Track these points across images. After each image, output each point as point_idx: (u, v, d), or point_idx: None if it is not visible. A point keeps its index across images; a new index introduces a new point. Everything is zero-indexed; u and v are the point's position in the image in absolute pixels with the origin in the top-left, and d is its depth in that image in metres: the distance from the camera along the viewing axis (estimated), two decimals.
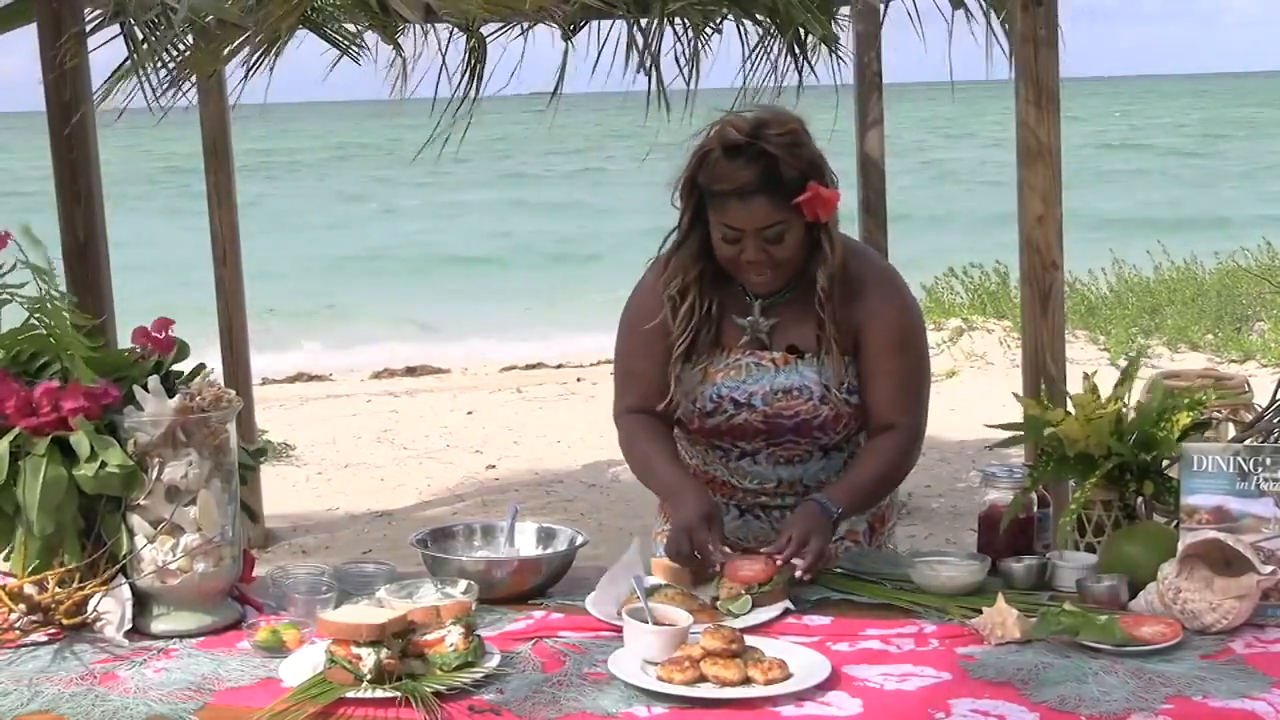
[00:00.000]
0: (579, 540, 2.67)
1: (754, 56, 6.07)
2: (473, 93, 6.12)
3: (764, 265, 2.65)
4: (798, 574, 2.49)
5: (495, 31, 6.13)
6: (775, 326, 2.74)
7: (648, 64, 5.89)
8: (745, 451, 2.76)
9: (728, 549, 2.55)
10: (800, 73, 6.12)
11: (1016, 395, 3.03)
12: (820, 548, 2.53)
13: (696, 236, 2.71)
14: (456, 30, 6.07)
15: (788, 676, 2.08)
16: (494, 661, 2.17)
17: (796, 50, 6.03)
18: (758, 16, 5.96)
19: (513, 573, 2.55)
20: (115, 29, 5.35)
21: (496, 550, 2.72)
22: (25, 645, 2.34)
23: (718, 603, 2.43)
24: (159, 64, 5.32)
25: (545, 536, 2.74)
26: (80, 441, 2.35)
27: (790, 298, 2.73)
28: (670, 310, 2.75)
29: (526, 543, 2.74)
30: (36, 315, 2.49)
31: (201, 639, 2.38)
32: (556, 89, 6.07)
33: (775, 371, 2.72)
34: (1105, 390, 2.64)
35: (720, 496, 2.80)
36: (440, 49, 6.07)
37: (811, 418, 2.71)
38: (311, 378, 11.59)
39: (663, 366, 2.77)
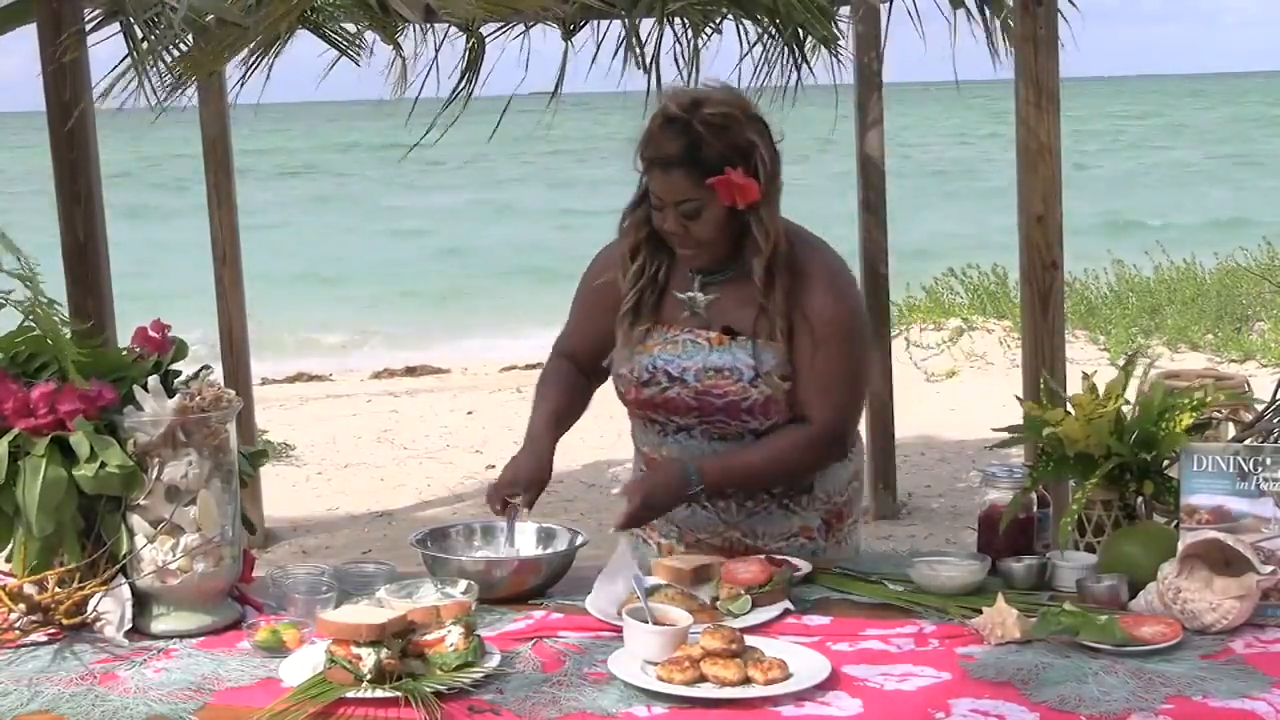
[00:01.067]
0: (579, 540, 2.67)
1: (753, 56, 6.07)
2: (471, 91, 6.12)
3: (684, 239, 2.71)
4: (615, 528, 2.65)
5: (495, 31, 6.13)
6: (714, 306, 2.78)
7: (647, 64, 5.89)
8: (680, 426, 2.81)
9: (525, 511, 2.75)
10: (798, 72, 6.11)
11: (1019, 398, 3.03)
12: (647, 504, 2.68)
13: (648, 201, 2.78)
14: (456, 30, 6.07)
15: (788, 676, 2.08)
16: (494, 661, 2.17)
17: (796, 50, 6.03)
18: (758, 16, 5.95)
19: (513, 573, 2.55)
20: (115, 27, 5.34)
21: (496, 550, 2.72)
22: (25, 645, 2.34)
23: (718, 603, 2.43)
24: (158, 63, 5.31)
25: (545, 536, 2.74)
26: (80, 442, 2.35)
27: (731, 278, 2.78)
28: (621, 270, 2.83)
29: (526, 543, 2.74)
30: (30, 318, 2.49)
31: (201, 639, 2.38)
32: (556, 89, 6.07)
33: (709, 350, 2.76)
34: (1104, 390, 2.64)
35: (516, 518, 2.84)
36: (438, 49, 6.08)
37: (740, 399, 2.73)
38: (311, 378, 11.59)
39: (602, 326, 2.88)
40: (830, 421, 2.76)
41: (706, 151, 2.64)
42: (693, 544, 2.83)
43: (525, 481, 2.77)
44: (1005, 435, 2.81)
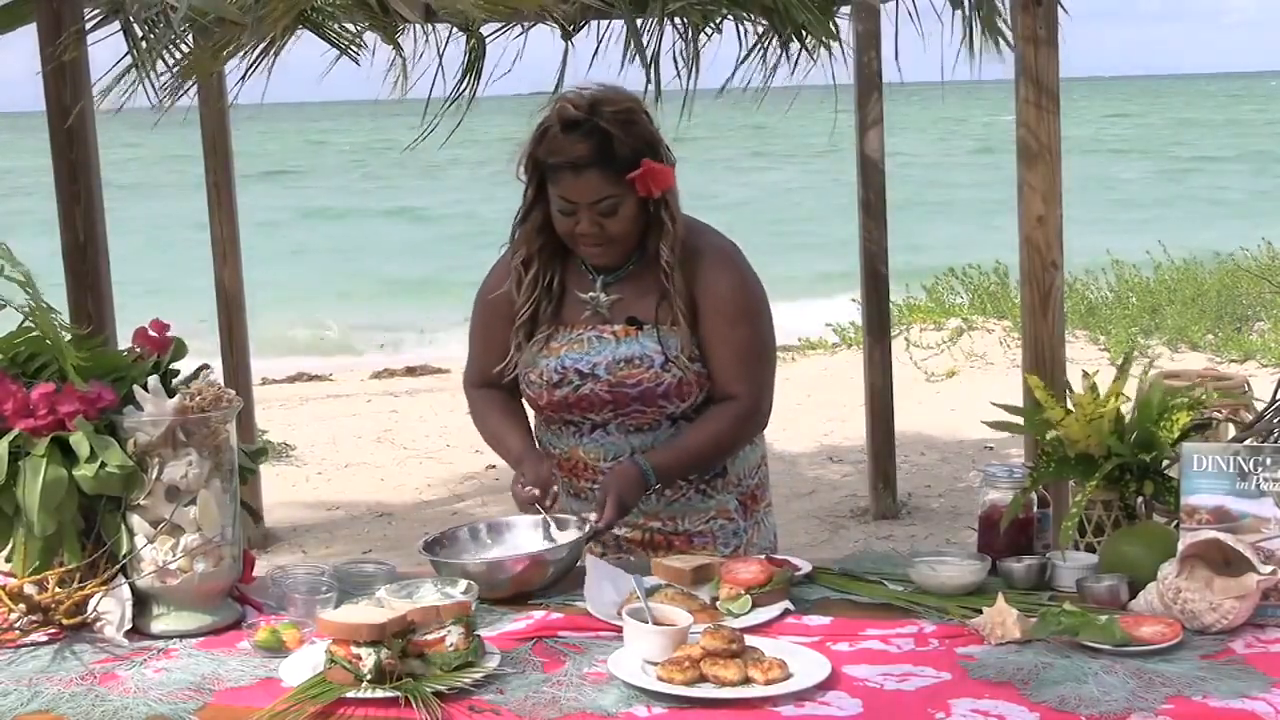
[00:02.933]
0: (587, 527, 2.68)
1: (752, 55, 6.06)
2: (471, 91, 6.12)
3: (598, 238, 2.75)
4: (592, 524, 2.66)
5: (495, 31, 6.13)
6: (616, 301, 2.83)
7: (647, 63, 5.88)
8: (596, 424, 2.84)
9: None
10: (795, 71, 6.11)
11: (1026, 376, 3.01)
12: (622, 504, 2.69)
13: (540, 211, 2.82)
14: (456, 30, 6.07)
15: (788, 676, 2.08)
16: (494, 661, 2.17)
17: (795, 50, 6.02)
18: (757, 16, 5.95)
19: (537, 565, 2.56)
20: (115, 27, 5.34)
21: (535, 542, 2.72)
22: (25, 645, 2.34)
23: (718, 603, 2.43)
24: (158, 63, 5.31)
25: (551, 529, 2.74)
26: (80, 442, 2.35)
27: (631, 272, 2.83)
28: (515, 282, 2.87)
29: (534, 537, 2.74)
30: (30, 319, 2.49)
31: (201, 639, 2.38)
32: (557, 89, 6.07)
33: (616, 343, 2.81)
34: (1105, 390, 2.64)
35: (585, 481, 2.88)
36: (439, 49, 6.07)
37: (655, 385, 2.78)
38: (311, 378, 11.58)
39: (502, 345, 2.91)
40: (754, 395, 2.85)
41: (619, 148, 2.70)
42: (610, 543, 2.87)
43: (545, 483, 2.77)
44: (1003, 418, 2.78)
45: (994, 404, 2.78)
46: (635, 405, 2.80)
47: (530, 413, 2.99)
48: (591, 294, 2.85)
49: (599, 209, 2.72)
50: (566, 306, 2.87)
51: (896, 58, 5.74)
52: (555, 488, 2.78)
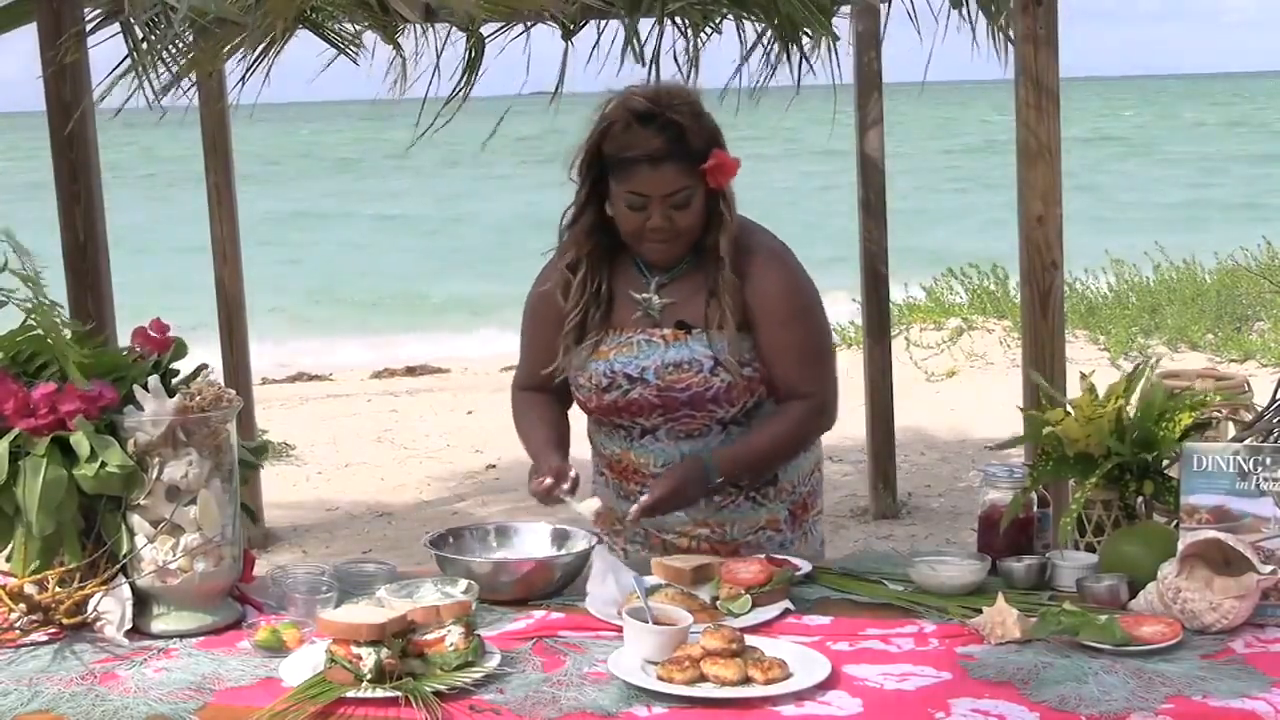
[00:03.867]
0: (594, 541, 2.67)
1: (752, 55, 6.07)
2: (469, 90, 6.12)
3: (667, 233, 2.73)
4: (630, 517, 2.67)
5: (495, 31, 6.13)
6: (667, 305, 2.81)
7: (647, 63, 5.88)
8: (645, 429, 2.82)
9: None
10: (797, 72, 6.11)
11: (1020, 409, 3.04)
12: (676, 493, 2.69)
13: (593, 211, 2.80)
14: (456, 30, 6.06)
15: (788, 676, 2.08)
16: (494, 661, 2.17)
17: (795, 49, 6.02)
18: (757, 16, 5.95)
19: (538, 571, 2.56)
20: (115, 27, 5.34)
21: (542, 548, 2.72)
22: (25, 645, 2.34)
23: (718, 603, 2.43)
24: (159, 63, 5.31)
25: (559, 537, 2.74)
26: (80, 441, 2.35)
27: (684, 271, 2.81)
28: (561, 286, 2.84)
29: (541, 544, 2.74)
30: (33, 317, 2.49)
31: (201, 639, 2.38)
32: (557, 89, 6.07)
33: (666, 347, 2.79)
34: (1105, 390, 2.64)
35: (635, 486, 2.85)
36: (438, 49, 6.07)
37: (704, 390, 2.76)
38: (311, 378, 11.58)
39: (555, 344, 2.89)
40: (821, 392, 2.83)
41: (692, 139, 2.69)
42: (658, 545, 2.85)
43: (557, 473, 2.76)
44: (1006, 438, 2.82)
45: (996, 445, 2.78)
46: (684, 410, 2.77)
47: (582, 415, 2.96)
48: (645, 295, 2.82)
49: (673, 201, 2.70)
50: (616, 309, 2.84)
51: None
52: (573, 472, 2.74)
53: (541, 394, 2.98)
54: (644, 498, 2.71)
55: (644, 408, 2.79)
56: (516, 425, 3.00)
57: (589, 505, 2.72)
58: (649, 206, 2.71)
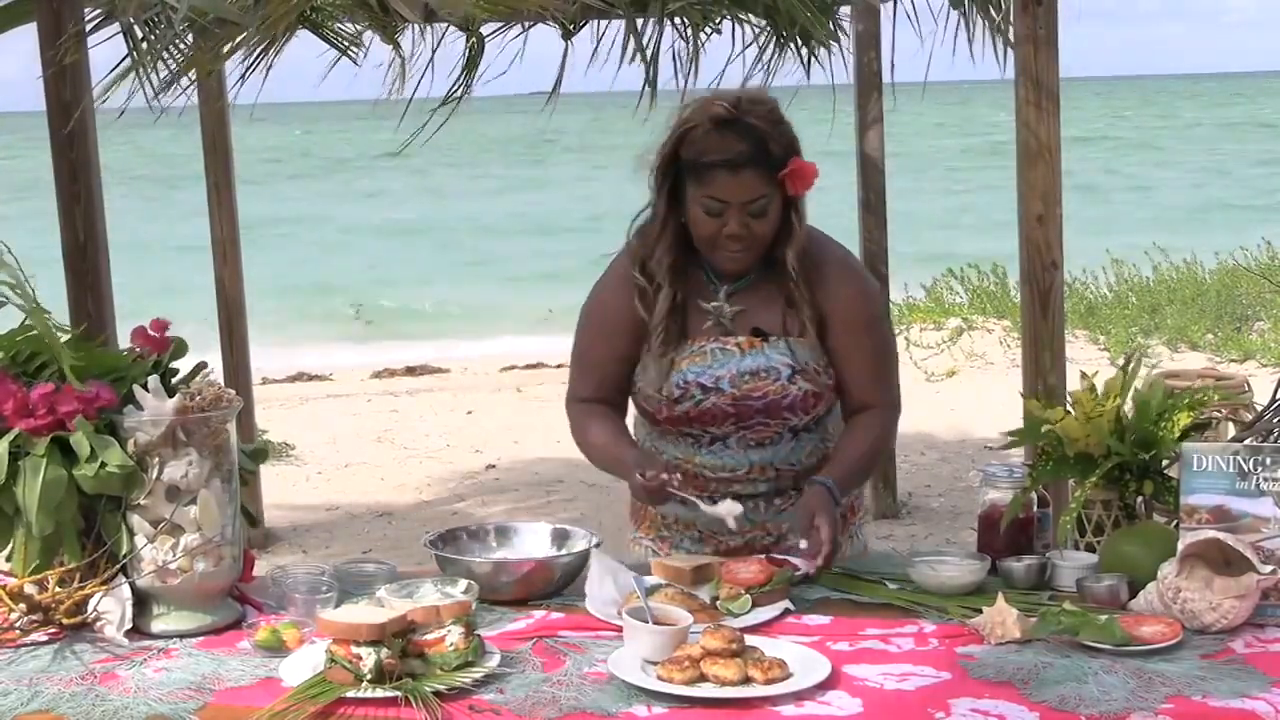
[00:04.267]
0: (594, 540, 2.67)
1: (752, 55, 6.07)
2: (468, 90, 6.12)
3: (743, 240, 2.70)
4: (815, 566, 2.55)
5: (494, 31, 6.13)
6: (739, 313, 2.78)
7: (647, 63, 5.88)
8: (715, 437, 2.79)
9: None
10: (808, 71, 6.11)
11: (1022, 394, 3.04)
12: (831, 525, 2.60)
13: (673, 221, 2.75)
14: (455, 30, 6.06)
15: (788, 676, 2.08)
16: (494, 661, 2.17)
17: (796, 49, 6.02)
18: (757, 16, 5.95)
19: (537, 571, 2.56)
20: (115, 28, 5.34)
21: (541, 548, 2.71)
22: (25, 645, 2.34)
23: (718, 603, 2.43)
24: (159, 63, 5.31)
25: (559, 537, 2.74)
26: (80, 441, 2.35)
27: (753, 282, 2.78)
28: (643, 298, 2.78)
29: (540, 544, 2.74)
30: (29, 319, 2.50)
31: (201, 639, 2.38)
32: (556, 88, 6.07)
33: (741, 355, 2.76)
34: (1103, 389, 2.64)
35: (693, 489, 2.80)
36: (434, 49, 6.07)
37: (780, 398, 2.74)
38: (311, 378, 11.58)
39: (622, 360, 2.83)
40: (893, 398, 2.85)
41: (773, 147, 2.66)
42: (711, 546, 2.82)
43: (669, 468, 2.64)
44: (1009, 440, 2.82)
45: (1002, 433, 2.78)
46: (759, 418, 2.74)
47: (631, 422, 2.91)
48: (714, 304, 2.78)
49: (751, 209, 2.67)
50: (689, 320, 2.80)
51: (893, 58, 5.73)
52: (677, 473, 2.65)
53: (604, 406, 2.87)
54: (825, 551, 2.54)
55: (717, 416, 2.76)
56: (583, 436, 2.86)
57: (730, 507, 2.60)
58: (726, 213, 2.67)
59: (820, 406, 2.78)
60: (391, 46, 6.05)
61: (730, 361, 2.75)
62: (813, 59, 6.02)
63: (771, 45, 5.99)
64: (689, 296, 2.80)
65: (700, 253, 2.77)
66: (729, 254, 2.72)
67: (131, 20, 5.12)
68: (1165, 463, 2.58)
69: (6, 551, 2.45)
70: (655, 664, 2.12)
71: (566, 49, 6.01)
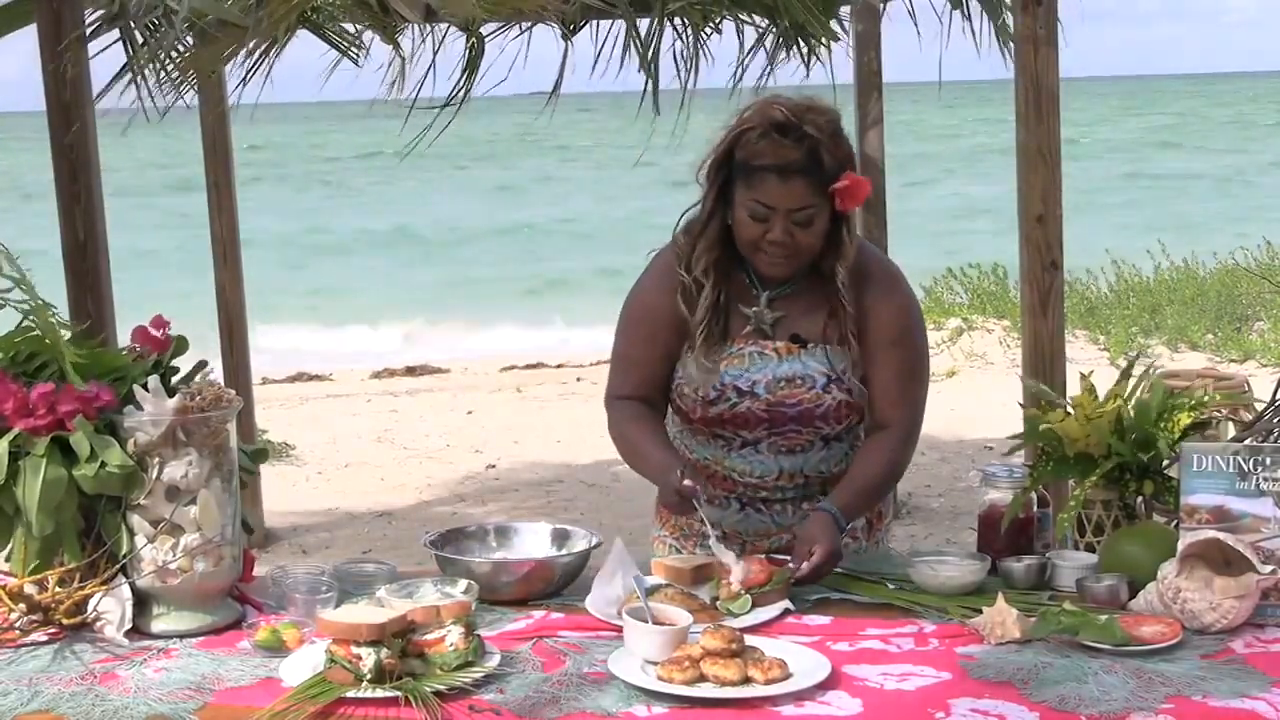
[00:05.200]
0: (594, 540, 2.66)
1: (752, 56, 6.07)
2: (469, 90, 6.12)
3: (787, 249, 2.66)
4: (798, 573, 2.51)
5: (495, 31, 6.13)
6: (779, 319, 2.75)
7: (647, 63, 5.89)
8: (747, 441, 2.77)
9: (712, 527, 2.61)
10: (808, 71, 6.12)
11: (1021, 405, 3.03)
12: (827, 555, 2.55)
13: (719, 219, 2.73)
14: (455, 30, 6.07)
15: (788, 676, 2.08)
16: (494, 661, 2.17)
17: (796, 49, 6.03)
18: (757, 16, 5.96)
19: (533, 572, 2.55)
20: (116, 31, 5.34)
21: (542, 548, 2.71)
22: (25, 645, 2.34)
23: (718, 603, 2.43)
24: (160, 65, 5.32)
25: (559, 537, 2.74)
26: (80, 441, 2.35)
27: (795, 290, 2.76)
28: (685, 295, 2.75)
29: (540, 544, 2.74)
30: (30, 319, 2.50)
31: (201, 639, 2.38)
32: (556, 88, 6.08)
33: (779, 361, 2.74)
34: (1105, 390, 2.64)
35: (720, 491, 2.81)
36: (435, 49, 6.08)
37: (814, 406, 2.72)
38: (311, 378, 11.58)
39: (663, 358, 2.80)
40: (912, 416, 2.78)
41: (826, 158, 2.62)
42: (736, 547, 2.81)
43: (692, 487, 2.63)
44: (1008, 439, 2.82)
45: (1007, 438, 2.75)
46: (791, 425, 2.73)
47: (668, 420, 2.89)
48: (755, 308, 2.76)
49: (797, 218, 2.63)
50: (730, 322, 2.78)
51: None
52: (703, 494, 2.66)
53: (643, 405, 2.84)
54: (804, 568, 2.52)
55: (750, 421, 2.74)
56: (622, 434, 2.82)
57: (733, 561, 2.49)
58: (771, 219, 2.64)
59: (854, 416, 2.76)
60: (392, 47, 6.05)
61: (767, 367, 2.73)
62: (813, 59, 6.03)
63: (772, 45, 6.00)
64: (731, 299, 2.77)
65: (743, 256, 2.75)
66: (769, 260, 2.70)
67: (132, 24, 5.13)
68: (1165, 463, 2.58)
69: (6, 551, 2.45)
70: (655, 664, 2.12)
71: (567, 49, 6.02)
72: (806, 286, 2.75)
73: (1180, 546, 2.32)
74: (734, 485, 2.80)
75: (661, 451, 2.74)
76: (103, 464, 2.33)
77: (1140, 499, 2.62)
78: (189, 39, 5.41)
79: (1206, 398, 2.62)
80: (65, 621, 2.36)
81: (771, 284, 2.76)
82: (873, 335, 2.73)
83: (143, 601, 2.40)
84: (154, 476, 2.37)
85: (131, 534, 2.39)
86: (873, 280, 2.75)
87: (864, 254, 2.78)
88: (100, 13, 5.24)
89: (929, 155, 35.16)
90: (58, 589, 2.37)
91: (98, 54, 5.10)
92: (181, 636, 2.38)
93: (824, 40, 5.94)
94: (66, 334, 2.54)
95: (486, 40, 6.13)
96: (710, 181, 2.72)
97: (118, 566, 2.38)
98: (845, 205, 2.65)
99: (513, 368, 11.64)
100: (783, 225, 2.64)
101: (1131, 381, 2.65)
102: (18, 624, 2.36)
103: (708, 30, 6.09)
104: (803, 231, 2.65)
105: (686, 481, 2.59)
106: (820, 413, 2.72)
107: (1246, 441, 2.49)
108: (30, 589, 2.37)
